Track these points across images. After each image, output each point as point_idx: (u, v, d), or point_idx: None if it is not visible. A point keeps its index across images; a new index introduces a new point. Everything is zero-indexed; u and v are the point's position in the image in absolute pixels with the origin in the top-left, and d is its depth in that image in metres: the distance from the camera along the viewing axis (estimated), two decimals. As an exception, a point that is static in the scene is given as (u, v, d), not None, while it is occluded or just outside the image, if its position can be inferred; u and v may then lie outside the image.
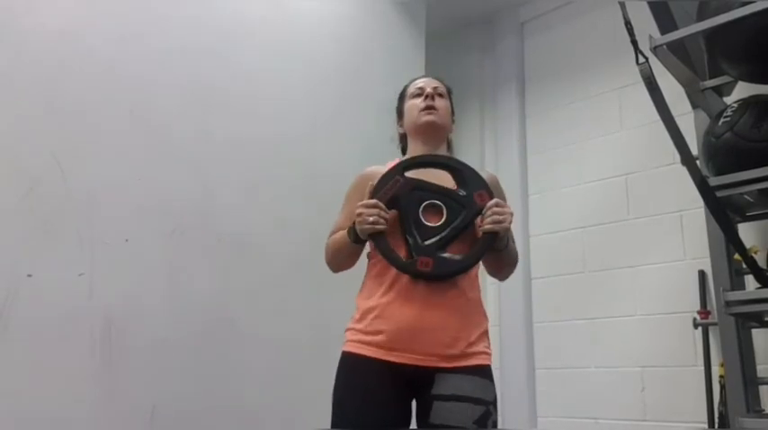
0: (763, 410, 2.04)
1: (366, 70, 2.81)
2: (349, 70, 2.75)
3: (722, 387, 2.32)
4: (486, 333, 1.50)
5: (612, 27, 2.98)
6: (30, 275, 1.60)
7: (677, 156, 1.98)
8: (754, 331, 2.16)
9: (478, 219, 1.43)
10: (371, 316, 1.44)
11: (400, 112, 1.68)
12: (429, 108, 1.58)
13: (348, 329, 1.50)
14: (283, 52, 2.46)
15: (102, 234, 1.77)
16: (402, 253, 1.41)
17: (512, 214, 1.43)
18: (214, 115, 2.16)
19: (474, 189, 1.45)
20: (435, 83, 1.65)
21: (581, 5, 3.28)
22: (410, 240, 1.40)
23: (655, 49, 1.97)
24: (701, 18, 1.98)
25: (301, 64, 2.52)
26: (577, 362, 2.91)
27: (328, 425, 1.42)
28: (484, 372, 1.44)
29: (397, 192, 1.43)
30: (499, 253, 1.49)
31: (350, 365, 1.45)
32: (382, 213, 1.40)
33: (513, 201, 3.20)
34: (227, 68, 2.23)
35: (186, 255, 1.98)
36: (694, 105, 2.28)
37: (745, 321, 2.06)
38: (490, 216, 1.40)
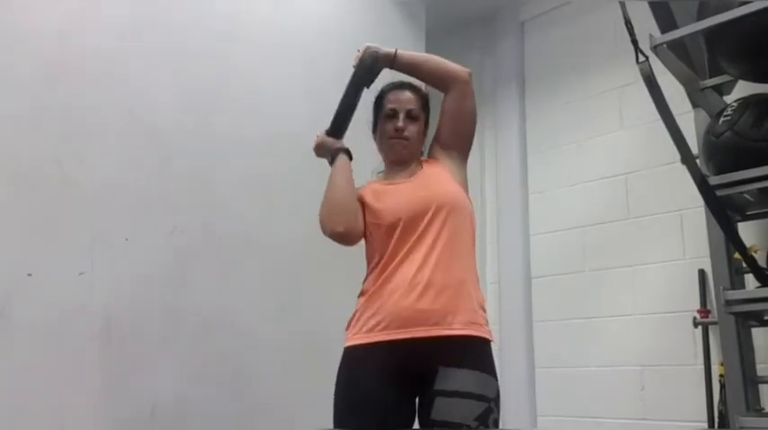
0: (763, 409, 2.04)
1: (366, 70, 2.81)
2: (349, 70, 2.73)
3: (722, 386, 2.32)
4: (483, 307, 1.51)
5: (613, 26, 2.98)
6: (30, 274, 1.60)
7: (677, 156, 1.98)
8: (754, 330, 2.16)
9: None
10: (364, 304, 1.48)
11: (375, 123, 1.70)
12: (400, 138, 1.60)
13: (347, 327, 1.51)
14: (283, 52, 2.46)
15: (102, 233, 1.77)
16: None
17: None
18: (214, 115, 2.16)
19: None
20: (409, 103, 1.63)
21: (581, 5, 3.27)
22: None
23: (655, 48, 1.97)
24: (701, 17, 1.97)
25: (301, 63, 2.52)
26: (577, 361, 2.91)
27: (330, 425, 1.42)
28: (485, 367, 1.44)
29: None
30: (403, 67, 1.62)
31: (351, 360, 1.47)
32: None
33: (513, 201, 3.27)
34: (227, 68, 2.23)
35: (186, 254, 1.98)
36: (694, 104, 2.27)
37: (745, 320, 2.06)
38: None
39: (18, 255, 1.60)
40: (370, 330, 1.44)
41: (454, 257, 1.48)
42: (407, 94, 1.65)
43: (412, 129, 1.62)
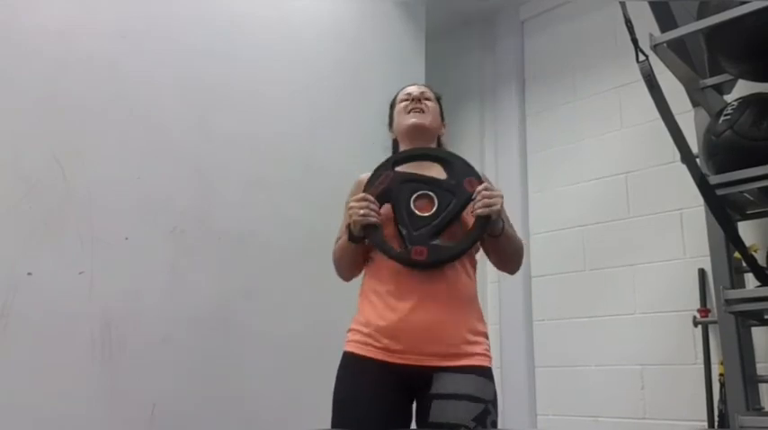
0: (763, 408, 2.04)
1: (366, 69, 2.81)
2: (348, 69, 2.75)
3: (722, 385, 2.32)
4: (485, 335, 1.50)
5: (613, 25, 2.98)
6: (30, 274, 1.60)
7: (677, 155, 1.98)
8: (753, 329, 2.16)
9: (470, 207, 1.42)
10: (369, 316, 1.46)
11: (391, 119, 1.71)
12: (415, 110, 1.60)
13: (349, 330, 1.51)
14: (283, 51, 2.46)
15: (102, 232, 1.77)
16: (396, 245, 1.42)
17: (501, 197, 1.43)
18: (214, 114, 2.16)
19: (463, 176, 1.46)
20: (423, 88, 1.68)
21: (581, 4, 3.27)
22: (403, 231, 1.41)
23: (655, 48, 1.97)
24: (701, 16, 1.98)
25: (301, 63, 2.52)
26: (577, 360, 2.91)
27: (328, 424, 1.42)
28: (483, 372, 1.44)
29: (388, 185, 1.45)
30: (497, 239, 1.48)
31: (350, 365, 1.46)
32: (372, 206, 1.42)
33: (513, 200, 3.27)
34: (227, 67, 2.23)
35: (186, 253, 1.99)
36: (694, 103, 2.28)
37: (745, 319, 2.06)
38: (480, 200, 1.40)
39: (18, 254, 1.60)
40: (368, 343, 1.43)
41: (463, 298, 1.48)
42: (416, 86, 1.69)
43: (428, 105, 1.63)
